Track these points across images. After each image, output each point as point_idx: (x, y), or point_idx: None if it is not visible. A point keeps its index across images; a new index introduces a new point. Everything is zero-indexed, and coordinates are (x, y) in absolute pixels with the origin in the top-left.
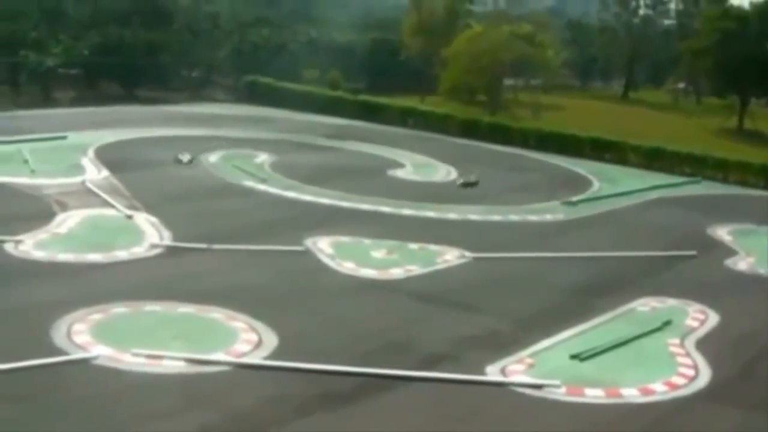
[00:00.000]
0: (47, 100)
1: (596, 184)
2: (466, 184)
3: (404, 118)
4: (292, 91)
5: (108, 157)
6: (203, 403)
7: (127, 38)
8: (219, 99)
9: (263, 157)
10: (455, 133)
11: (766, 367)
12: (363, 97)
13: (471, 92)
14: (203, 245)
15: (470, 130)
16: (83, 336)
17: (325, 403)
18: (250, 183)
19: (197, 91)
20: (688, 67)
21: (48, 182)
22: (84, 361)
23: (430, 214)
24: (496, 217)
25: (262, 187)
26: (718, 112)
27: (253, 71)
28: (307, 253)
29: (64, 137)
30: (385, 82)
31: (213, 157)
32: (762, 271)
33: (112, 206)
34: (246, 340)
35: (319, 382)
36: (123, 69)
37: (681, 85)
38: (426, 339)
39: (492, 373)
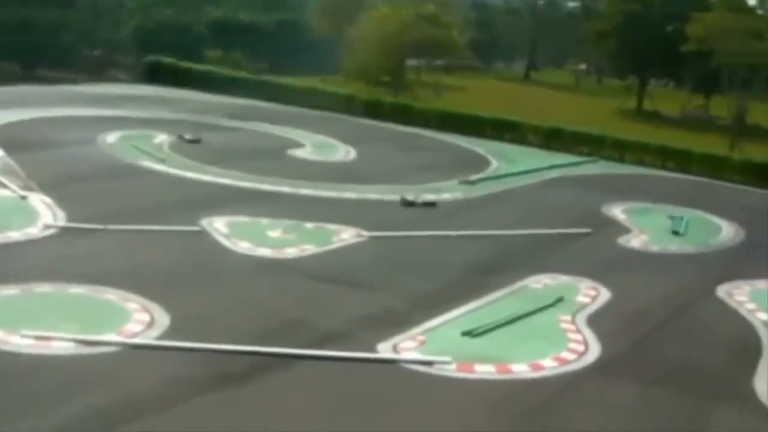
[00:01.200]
0: None
1: (495, 164)
2: (189, 140)
3: (307, 98)
4: (195, 71)
5: (3, 137)
6: (95, 384)
7: (28, 17)
8: (121, 79)
9: (163, 137)
10: (358, 114)
11: (655, 342)
12: (266, 77)
13: (375, 73)
14: (98, 226)
15: (373, 110)
16: None
17: (219, 383)
18: (148, 163)
19: (99, 71)
20: (591, 48)
21: None
22: None
23: (329, 193)
24: (394, 196)
25: (160, 167)
26: (619, 93)
27: (156, 51)
28: (203, 233)
29: None
30: (289, 63)
31: (111, 138)
32: (654, 248)
33: (6, 187)
34: (138, 321)
35: (213, 361)
36: (23, 48)
37: (582, 66)
38: (321, 318)
39: (384, 350)
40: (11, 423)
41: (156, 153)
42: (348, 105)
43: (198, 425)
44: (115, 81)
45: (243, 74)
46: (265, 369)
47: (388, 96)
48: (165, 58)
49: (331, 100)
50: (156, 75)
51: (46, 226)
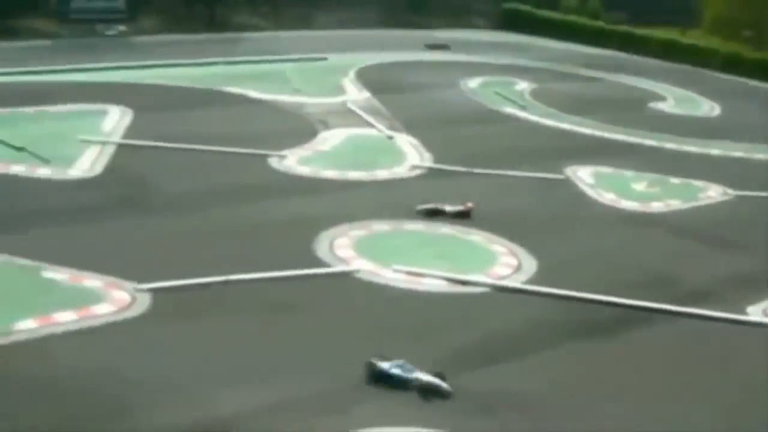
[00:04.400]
0: (306, 22)
1: None
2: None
3: (665, 50)
4: (552, 19)
5: (368, 78)
6: (467, 322)
7: None
8: (477, 25)
9: (523, 85)
10: (716, 68)
11: None
12: (624, 27)
13: (735, 26)
14: (464, 169)
15: (732, 65)
16: (345, 250)
17: (583, 332)
18: (510, 109)
19: (456, 17)
20: None
21: (310, 101)
22: (345, 275)
23: (693, 149)
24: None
25: (522, 114)
26: None
27: None
28: (567, 182)
29: (324, 59)
30: (644, 14)
31: (473, 83)
32: None
33: (373, 127)
34: (506, 264)
35: (578, 310)
36: None
37: None
38: (687, 275)
39: (753, 313)
40: (407, 345)
41: (518, 100)
42: (706, 59)
43: (562, 372)
44: (472, 27)
45: (601, 24)
46: (629, 322)
47: (750, 51)
48: (522, 6)
49: (688, 53)
50: (513, 22)
51: (413, 167)
